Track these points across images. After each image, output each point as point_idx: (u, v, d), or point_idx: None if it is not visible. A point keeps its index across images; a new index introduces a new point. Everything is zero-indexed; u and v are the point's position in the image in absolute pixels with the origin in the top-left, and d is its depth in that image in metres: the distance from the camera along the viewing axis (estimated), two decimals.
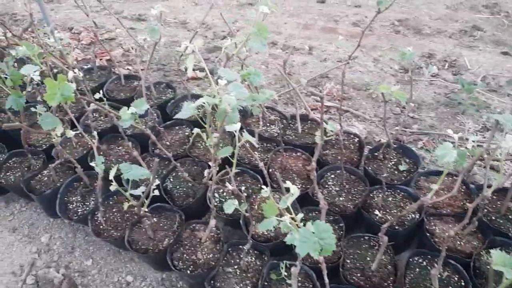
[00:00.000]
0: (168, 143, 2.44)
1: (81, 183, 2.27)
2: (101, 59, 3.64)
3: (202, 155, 2.30)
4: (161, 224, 2.03)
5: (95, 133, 2.01)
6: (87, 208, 2.16)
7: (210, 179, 1.78)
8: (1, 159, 2.51)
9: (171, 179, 2.22)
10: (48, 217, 2.40)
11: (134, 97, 2.71)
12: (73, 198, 2.23)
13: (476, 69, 3.28)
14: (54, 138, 1.98)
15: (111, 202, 2.17)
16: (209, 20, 4.37)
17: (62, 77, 1.90)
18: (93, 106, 1.97)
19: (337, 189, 2.05)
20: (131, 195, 1.59)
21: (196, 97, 2.78)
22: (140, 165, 2.31)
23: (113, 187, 1.51)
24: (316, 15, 4.30)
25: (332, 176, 2.11)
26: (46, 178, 2.35)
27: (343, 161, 2.10)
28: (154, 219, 2.06)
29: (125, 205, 1.57)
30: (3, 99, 2.90)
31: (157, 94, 2.79)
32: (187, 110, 1.41)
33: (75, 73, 1.97)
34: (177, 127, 2.53)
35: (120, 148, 2.46)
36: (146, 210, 1.71)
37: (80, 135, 2.29)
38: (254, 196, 2.08)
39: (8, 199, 2.54)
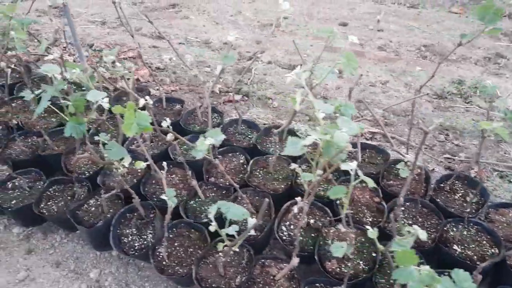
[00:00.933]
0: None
1: (135, 214, 2.14)
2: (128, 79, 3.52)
3: (262, 185, 2.22)
4: (229, 260, 1.92)
5: (164, 163, 1.90)
6: (144, 242, 2.03)
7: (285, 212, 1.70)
8: (40, 186, 2.35)
9: None
10: (93, 250, 2.25)
11: (179, 122, 2.61)
12: (127, 231, 2.09)
13: (506, 96, 3.36)
14: (120, 168, 1.85)
15: (171, 235, 2.04)
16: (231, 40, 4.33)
17: (131, 104, 1.81)
18: (171, 137, 1.87)
19: (410, 222, 2.00)
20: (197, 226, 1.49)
21: (246, 123, 2.69)
22: (197, 193, 2.21)
23: (213, 227, 1.41)
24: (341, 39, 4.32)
25: (402, 208, 2.07)
26: (93, 208, 2.20)
27: (408, 192, 2.07)
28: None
29: (220, 246, 1.46)
30: (35, 122, 2.74)
31: (202, 118, 2.70)
32: (294, 148, 1.34)
33: (146, 100, 1.87)
34: (230, 154, 2.44)
35: (173, 176, 2.34)
36: (238, 250, 1.60)
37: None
38: (325, 230, 2.00)
39: (45, 230, 2.37)
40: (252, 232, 1.51)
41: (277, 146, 2.45)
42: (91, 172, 2.38)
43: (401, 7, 5.07)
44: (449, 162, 2.57)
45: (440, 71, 3.68)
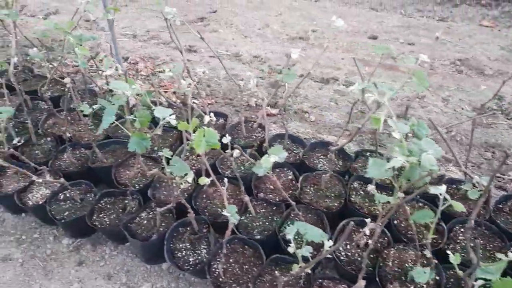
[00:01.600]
0: (271, 186, 2.35)
1: (188, 228, 2.16)
2: (166, 92, 3.58)
3: (315, 202, 2.21)
4: (286, 279, 1.91)
5: (225, 180, 1.91)
6: (199, 257, 2.04)
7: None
8: (91, 198, 2.38)
9: (287, 227, 2.11)
10: (143, 263, 2.26)
11: (225, 136, 2.63)
12: (181, 245, 2.10)
13: None
14: (182, 184, 1.87)
15: (225, 251, 2.05)
16: (261, 53, 4.38)
17: (195, 121, 1.84)
18: (237, 153, 1.89)
19: (471, 244, 1.98)
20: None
21: (290, 138, 2.70)
22: (247, 209, 2.22)
23: (292, 249, 1.41)
24: (371, 51, 4.34)
25: (462, 229, 2.05)
26: (145, 221, 2.22)
27: (465, 212, 2.04)
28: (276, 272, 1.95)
29: (295, 267, 1.46)
30: (84, 133, 2.79)
31: (246, 133, 2.71)
32: (378, 170, 1.34)
33: (210, 117, 1.90)
34: (278, 169, 2.45)
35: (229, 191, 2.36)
36: (310, 272, 1.60)
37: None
38: (385, 251, 1.98)
39: (94, 241, 2.39)
40: (329, 255, 1.51)
41: (332, 164, 2.43)
42: (141, 185, 2.40)
43: (430, 21, 5.07)
44: (498, 181, 2.55)
45: (476, 86, 3.66)
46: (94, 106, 2.24)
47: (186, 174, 1.84)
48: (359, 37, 4.65)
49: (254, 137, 2.70)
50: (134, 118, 1.85)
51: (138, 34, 4.80)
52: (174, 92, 3.57)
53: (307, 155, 2.51)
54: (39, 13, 5.55)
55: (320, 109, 3.43)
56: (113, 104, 1.93)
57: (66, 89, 2.48)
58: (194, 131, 1.66)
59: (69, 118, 2.94)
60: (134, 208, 2.30)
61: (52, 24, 2.33)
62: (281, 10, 5.28)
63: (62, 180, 2.21)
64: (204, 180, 1.84)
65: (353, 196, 2.23)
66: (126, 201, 2.34)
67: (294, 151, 2.60)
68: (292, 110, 3.37)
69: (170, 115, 1.77)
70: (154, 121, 2.10)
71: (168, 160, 1.85)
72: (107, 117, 1.89)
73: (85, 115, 2.87)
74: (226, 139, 1.96)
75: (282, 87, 3.71)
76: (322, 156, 2.53)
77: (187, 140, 2.35)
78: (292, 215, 2.16)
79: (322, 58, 4.27)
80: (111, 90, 1.85)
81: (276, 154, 1.78)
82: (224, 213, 1.78)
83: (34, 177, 2.17)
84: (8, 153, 2.19)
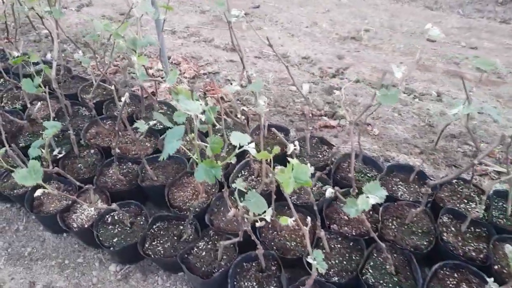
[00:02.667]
0: (346, 217, 2.05)
1: (254, 264, 1.89)
2: (212, 97, 3.29)
3: (400, 239, 1.90)
4: None
5: (308, 220, 1.62)
6: None
7: None
8: (142, 222, 2.13)
9: (370, 269, 1.81)
10: None
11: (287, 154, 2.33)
12: (247, 284, 1.83)
13: None
14: (258, 222, 1.59)
15: None
16: (310, 53, 4.05)
17: (276, 149, 1.56)
18: (330, 193, 1.60)
19: None
20: None
21: (369, 161, 2.36)
22: (319, 243, 1.93)
23: None
24: (431, 55, 3.95)
25: None
26: (203, 252, 1.97)
27: None
28: None
29: None
30: (131, 145, 2.55)
31: (311, 151, 2.41)
32: None
33: (295, 146, 1.61)
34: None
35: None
36: None
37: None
38: None
39: (144, 269, 2.15)
40: None
41: (426, 198, 2.09)
42: (197, 209, 2.14)
43: (491, 22, 4.62)
44: None
45: None
46: (151, 122, 1.98)
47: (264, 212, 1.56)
48: (416, 39, 4.25)
49: (320, 156, 2.39)
50: (206, 145, 1.58)
51: (177, 30, 4.53)
52: (222, 98, 3.29)
53: (384, 181, 2.20)
54: (71, 4, 5.33)
55: (383, 120, 3.08)
56: (176, 123, 1.66)
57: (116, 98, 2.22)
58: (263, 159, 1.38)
59: (110, 126, 2.70)
60: (190, 236, 2.04)
61: (102, 25, 2.07)
62: (329, 7, 4.91)
63: (114, 205, 1.96)
64: (285, 221, 1.56)
65: (444, 233, 1.91)
66: (182, 227, 2.09)
67: (368, 175, 2.28)
68: (352, 121, 3.04)
69: (249, 143, 1.49)
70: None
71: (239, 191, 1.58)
72: (171, 140, 1.61)
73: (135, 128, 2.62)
74: (308, 168, 1.64)
75: (338, 94, 3.38)
76: (401, 182, 2.20)
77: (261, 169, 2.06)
78: (375, 254, 1.86)
79: (377, 61, 3.92)
80: (168, 107, 1.58)
81: (375, 194, 1.48)
82: (309, 259, 1.49)
83: (82, 202, 1.94)
84: (53, 171, 1.96)
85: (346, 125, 3.01)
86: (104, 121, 2.69)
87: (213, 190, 2.25)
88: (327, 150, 2.42)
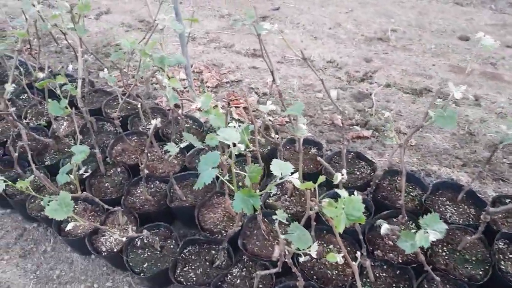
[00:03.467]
0: (391, 242, 1.91)
1: None
2: (237, 107, 3.19)
3: (452, 269, 1.75)
4: None
5: (358, 253, 1.49)
6: None
7: None
8: (172, 246, 2.05)
9: None
10: None
11: (322, 171, 2.21)
12: None
13: None
14: (302, 257, 1.48)
15: None
16: (335, 57, 3.88)
17: (322, 178, 1.44)
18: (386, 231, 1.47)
19: None
20: None
21: (412, 178, 2.20)
22: (363, 272, 1.81)
23: None
24: (465, 56, 3.73)
25: None
26: (238, 280, 1.86)
27: None
28: None
29: None
30: (158, 163, 2.46)
31: (349, 167, 2.27)
32: None
33: (342, 175, 1.48)
34: (395, 219, 2.00)
35: (329, 245, 1.95)
36: None
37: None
38: None
39: None
40: None
41: (483, 225, 1.93)
42: (228, 231, 2.04)
43: None
44: None
45: None
46: (182, 145, 1.88)
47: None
48: (448, 38, 4.03)
49: (358, 173, 2.25)
50: (244, 173, 1.47)
51: (197, 36, 4.43)
52: (245, 108, 3.18)
53: (430, 201, 2.04)
54: (89, 12, 5.30)
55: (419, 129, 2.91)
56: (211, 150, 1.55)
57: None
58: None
59: (139, 143, 2.62)
60: (223, 262, 1.94)
61: (128, 43, 1.97)
62: (352, 6, 4.72)
63: (145, 233, 1.88)
64: (335, 258, 1.43)
65: (502, 262, 1.75)
66: (214, 252, 2.00)
67: (411, 194, 2.13)
68: (386, 131, 2.88)
69: (292, 172, 1.37)
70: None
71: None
72: (206, 168, 1.51)
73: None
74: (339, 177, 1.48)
75: (368, 100, 3.23)
76: (448, 202, 2.04)
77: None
78: (426, 286, 1.72)
79: (408, 63, 3.73)
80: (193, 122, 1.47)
81: (434, 228, 1.34)
82: None
83: (112, 231, 1.87)
84: (81, 196, 1.89)
85: (378, 135, 2.85)
86: (130, 137, 2.62)
87: None
88: (365, 167, 2.27)
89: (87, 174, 2.38)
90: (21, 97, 3.17)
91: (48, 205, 1.74)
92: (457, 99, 3.23)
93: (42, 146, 2.60)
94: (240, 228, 2.04)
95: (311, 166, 2.30)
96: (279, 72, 3.71)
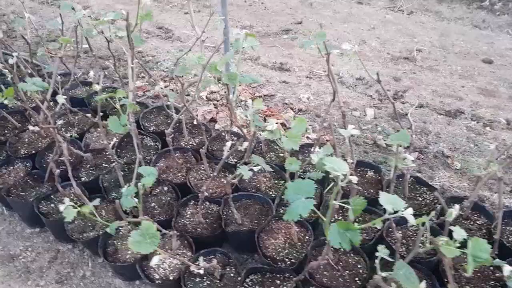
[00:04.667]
0: (465, 274, 1.85)
1: None
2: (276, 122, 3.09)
3: None
4: None
5: None
6: None
7: None
8: (232, 274, 1.91)
9: None
10: None
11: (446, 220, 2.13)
12: None
13: None
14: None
15: None
16: (364, 74, 3.86)
17: (433, 214, 1.36)
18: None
19: None
20: None
21: (459, 200, 2.16)
22: None
23: None
24: (491, 79, 3.77)
25: None
26: None
27: None
28: None
29: None
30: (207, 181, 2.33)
31: (409, 193, 2.20)
32: None
33: (456, 212, 1.40)
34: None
35: None
36: None
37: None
38: None
39: None
40: None
41: None
42: (292, 259, 1.93)
43: None
44: None
45: None
46: (255, 168, 1.77)
47: None
48: (472, 60, 4.07)
49: (420, 199, 2.19)
50: (347, 206, 1.37)
51: (221, 47, 4.32)
52: (283, 124, 3.09)
53: (496, 231, 1.99)
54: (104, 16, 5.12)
55: (461, 152, 2.89)
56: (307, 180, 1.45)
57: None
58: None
59: (185, 160, 2.49)
60: None
61: (195, 59, 1.86)
62: (374, 24, 4.74)
63: (214, 263, 1.75)
64: None
65: None
66: (279, 282, 1.88)
67: (477, 222, 2.08)
68: (430, 154, 2.85)
69: (404, 209, 1.29)
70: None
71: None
72: (298, 197, 1.41)
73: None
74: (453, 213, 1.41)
75: (406, 121, 3.19)
76: None
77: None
78: None
79: (437, 84, 3.73)
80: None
81: None
82: None
83: (189, 263, 1.72)
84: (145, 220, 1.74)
85: (423, 157, 2.81)
86: (173, 153, 2.48)
87: (307, 237, 2.04)
88: (427, 192, 2.21)
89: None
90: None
91: (114, 231, 1.60)
92: (490, 123, 3.25)
93: (77, 160, 2.43)
94: (304, 255, 1.94)
95: (371, 191, 2.22)
96: (310, 88, 3.65)
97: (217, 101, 3.33)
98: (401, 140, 1.48)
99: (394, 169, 1.73)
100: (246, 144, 1.80)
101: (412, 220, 1.28)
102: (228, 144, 1.69)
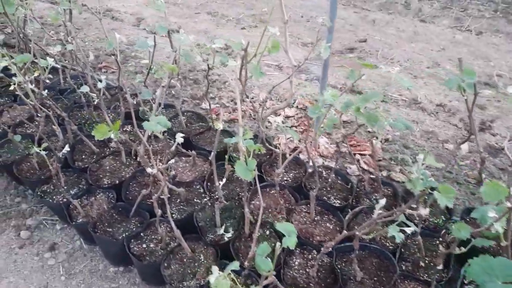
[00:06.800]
0: None
1: None
2: (362, 155, 2.86)
3: None
4: None
5: None
6: None
7: None
8: None
9: None
10: None
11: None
12: None
13: None
14: None
15: None
16: (443, 100, 3.60)
17: None
18: None
19: None
20: None
21: None
22: None
23: None
24: None
25: None
26: None
27: None
28: None
29: None
30: (319, 240, 2.11)
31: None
32: None
33: None
34: None
35: None
36: None
37: None
38: None
39: None
40: None
41: None
42: None
43: None
44: None
45: None
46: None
47: None
48: None
49: None
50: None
51: (283, 65, 4.13)
52: (371, 156, 2.85)
53: None
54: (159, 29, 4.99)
55: None
56: None
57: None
58: None
59: (279, 197, 2.27)
60: None
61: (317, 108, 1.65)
62: (443, 44, 4.48)
63: None
64: None
65: None
66: None
67: None
68: None
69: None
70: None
71: None
72: (493, 281, 1.17)
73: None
74: None
75: (504, 156, 2.92)
76: None
77: None
78: None
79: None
80: None
81: None
82: None
83: None
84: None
85: None
86: (267, 189, 2.27)
87: None
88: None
89: (229, 236, 2.02)
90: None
91: None
92: None
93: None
94: None
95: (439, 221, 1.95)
96: (390, 114, 3.41)
97: (295, 127, 3.12)
98: None
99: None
100: (383, 202, 1.56)
101: None
102: (382, 202, 1.46)
